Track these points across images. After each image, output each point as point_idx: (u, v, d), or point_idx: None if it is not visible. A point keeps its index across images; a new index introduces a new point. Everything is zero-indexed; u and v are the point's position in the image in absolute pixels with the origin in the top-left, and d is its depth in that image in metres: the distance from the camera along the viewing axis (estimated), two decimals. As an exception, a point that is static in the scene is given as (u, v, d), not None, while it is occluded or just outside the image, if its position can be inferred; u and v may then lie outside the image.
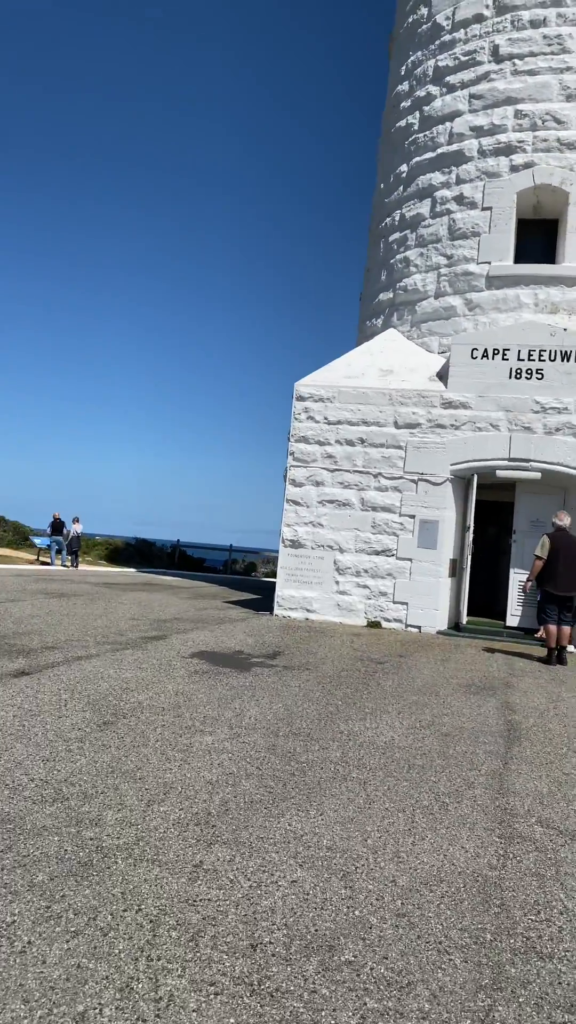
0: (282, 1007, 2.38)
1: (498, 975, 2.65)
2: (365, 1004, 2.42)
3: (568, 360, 12.44)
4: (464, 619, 12.89)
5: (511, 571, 13.35)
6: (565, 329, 12.69)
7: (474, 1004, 2.47)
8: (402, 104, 16.23)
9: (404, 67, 16.43)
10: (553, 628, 10.05)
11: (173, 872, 3.23)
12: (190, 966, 2.57)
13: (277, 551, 13.79)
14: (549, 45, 13.90)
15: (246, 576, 30.31)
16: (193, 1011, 2.33)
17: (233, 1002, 2.39)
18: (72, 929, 2.72)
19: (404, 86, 16.28)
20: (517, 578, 13.20)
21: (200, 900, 3.01)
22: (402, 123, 16.05)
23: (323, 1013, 2.36)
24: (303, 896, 3.11)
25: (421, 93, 15.57)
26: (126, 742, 5.03)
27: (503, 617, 13.49)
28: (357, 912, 3.01)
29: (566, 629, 10.21)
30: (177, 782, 4.35)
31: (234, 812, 3.96)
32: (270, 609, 13.36)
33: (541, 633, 10.87)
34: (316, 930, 2.85)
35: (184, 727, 5.53)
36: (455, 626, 12.90)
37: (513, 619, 13.24)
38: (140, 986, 2.44)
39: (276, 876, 3.27)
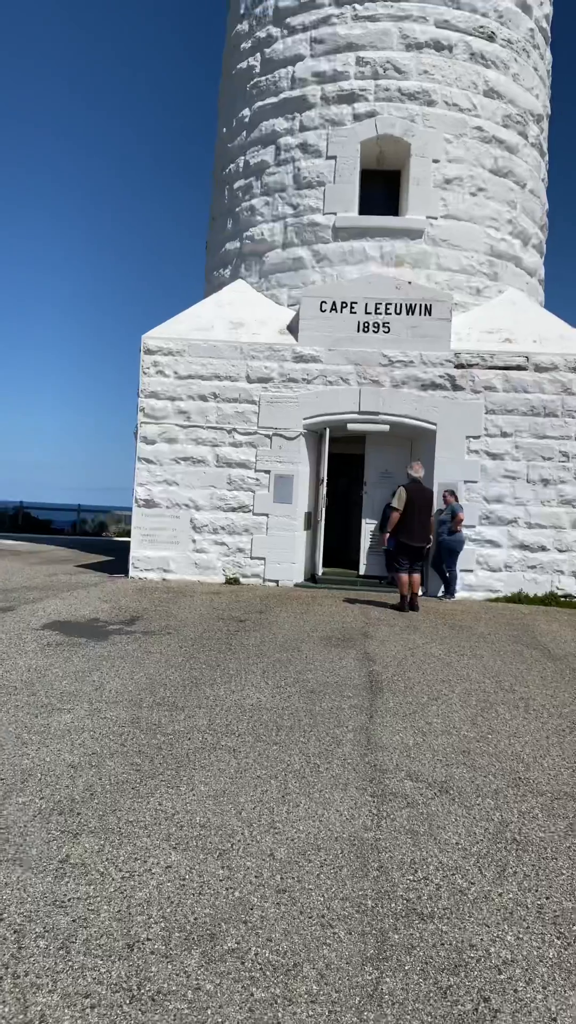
0: (165, 1011, 2.24)
1: (382, 944, 2.63)
2: (252, 995, 2.33)
3: (413, 313, 12.65)
4: (320, 570, 13.07)
5: (363, 521, 13.64)
6: (410, 282, 12.87)
7: (361, 979, 2.43)
8: (242, 45, 15.65)
9: (243, 5, 15.81)
10: (406, 577, 10.34)
11: (37, 871, 3.00)
12: (62, 978, 2.38)
13: (129, 509, 13.36)
14: (389, -8, 13.76)
15: (97, 537, 29.44)
16: (68, 1031, 2.15)
17: (111, 1013, 2.23)
18: None
19: (244, 26, 15.69)
20: (368, 528, 13.52)
21: (69, 900, 2.81)
22: (243, 65, 15.50)
23: (209, 1012, 2.25)
24: (179, 882, 2.97)
25: (262, 34, 15.07)
26: (-23, 728, 4.68)
27: (356, 566, 13.80)
28: (237, 893, 2.91)
29: (417, 577, 10.55)
30: (36, 768, 4.08)
31: (100, 796, 3.76)
32: (125, 571, 12.99)
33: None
34: (196, 919, 2.73)
35: (40, 706, 5.22)
36: (311, 578, 13.06)
37: (364, 567, 13.58)
38: (7, 1009, 2.23)
39: (149, 863, 3.12)
